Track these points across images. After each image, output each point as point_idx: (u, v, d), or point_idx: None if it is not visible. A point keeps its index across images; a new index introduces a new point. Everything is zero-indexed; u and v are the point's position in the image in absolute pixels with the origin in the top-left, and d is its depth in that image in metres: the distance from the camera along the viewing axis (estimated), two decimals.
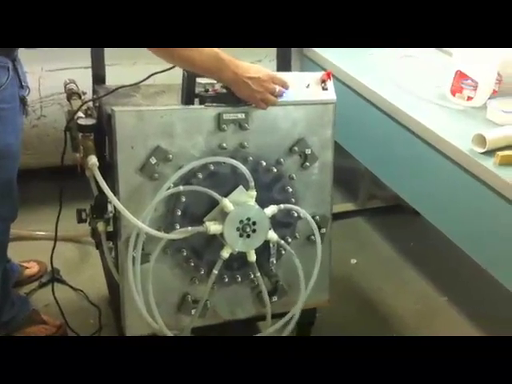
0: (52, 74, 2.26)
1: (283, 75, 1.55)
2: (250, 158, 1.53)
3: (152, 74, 1.57)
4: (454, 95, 1.96)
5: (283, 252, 1.62)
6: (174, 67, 1.49)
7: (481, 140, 1.64)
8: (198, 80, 1.49)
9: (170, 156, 1.46)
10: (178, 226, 1.49)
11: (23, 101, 1.58)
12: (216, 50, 1.39)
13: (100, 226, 1.61)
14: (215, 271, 1.52)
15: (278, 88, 1.50)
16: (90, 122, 1.57)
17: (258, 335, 1.67)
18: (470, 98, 1.93)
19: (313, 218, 1.61)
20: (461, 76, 1.93)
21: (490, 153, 1.63)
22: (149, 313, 1.51)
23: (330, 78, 1.59)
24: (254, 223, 1.50)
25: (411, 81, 2.08)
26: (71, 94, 1.74)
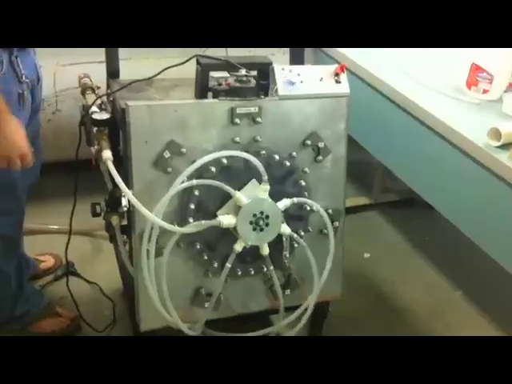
0: (66, 68, 2.27)
1: (297, 68, 1.54)
2: (263, 152, 1.53)
3: (165, 68, 1.57)
4: (469, 88, 1.95)
5: (296, 245, 1.62)
6: (187, 61, 1.50)
7: (496, 133, 1.63)
8: (212, 74, 1.50)
9: (184, 150, 1.47)
10: (191, 220, 1.50)
11: (22, 97, 1.54)
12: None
13: (114, 219, 1.62)
14: (228, 264, 1.53)
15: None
16: (105, 116, 1.58)
17: (272, 327, 1.68)
18: (485, 91, 1.92)
19: (326, 211, 1.61)
20: (476, 69, 1.91)
21: (506, 146, 1.61)
22: (163, 305, 1.52)
23: (343, 71, 1.58)
24: (267, 217, 1.50)
25: (426, 74, 2.06)
26: (85, 89, 1.75)
